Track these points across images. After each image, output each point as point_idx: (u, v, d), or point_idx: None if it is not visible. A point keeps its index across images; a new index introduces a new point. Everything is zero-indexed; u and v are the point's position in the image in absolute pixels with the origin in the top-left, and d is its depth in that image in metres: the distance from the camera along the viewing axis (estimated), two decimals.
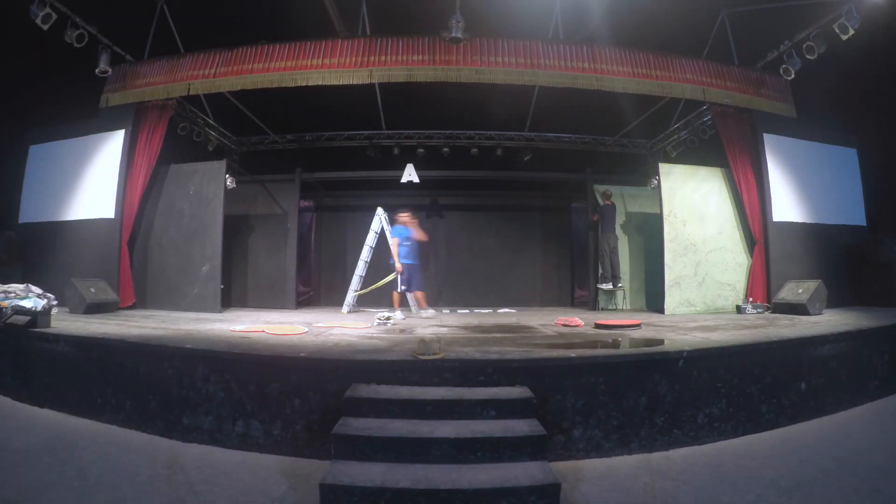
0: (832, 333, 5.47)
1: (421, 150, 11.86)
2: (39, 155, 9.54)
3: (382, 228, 10.23)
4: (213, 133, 10.78)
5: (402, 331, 6.59)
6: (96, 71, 8.47)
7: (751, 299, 8.72)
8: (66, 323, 6.12)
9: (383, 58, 8.23)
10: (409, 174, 11.44)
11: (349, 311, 9.78)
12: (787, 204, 9.15)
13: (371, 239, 10.15)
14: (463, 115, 11.20)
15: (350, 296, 9.97)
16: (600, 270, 10.60)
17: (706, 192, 9.55)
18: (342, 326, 6.99)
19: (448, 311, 10.61)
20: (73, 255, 8.69)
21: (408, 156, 11.76)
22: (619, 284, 10.47)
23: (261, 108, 10.62)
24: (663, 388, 4.35)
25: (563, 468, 3.75)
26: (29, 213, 9.36)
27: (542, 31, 8.54)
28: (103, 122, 9.08)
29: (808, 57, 8.21)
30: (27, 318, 5.49)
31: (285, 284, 10.97)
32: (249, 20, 8.82)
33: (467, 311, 10.88)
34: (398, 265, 8.95)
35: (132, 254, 8.90)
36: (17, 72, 9.33)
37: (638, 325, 6.71)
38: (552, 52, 8.35)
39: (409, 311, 9.64)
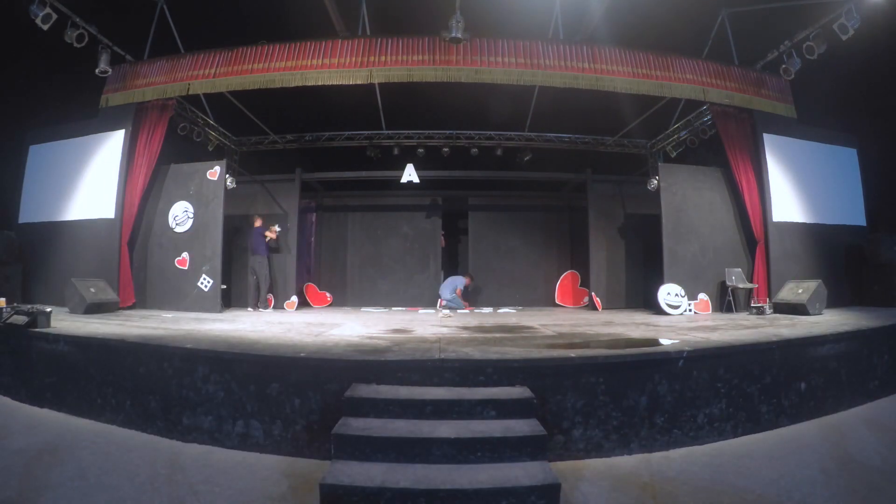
0: (832, 333, 5.47)
1: (421, 151, 11.87)
2: (39, 155, 9.55)
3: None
4: (213, 133, 10.78)
5: (401, 331, 6.59)
6: (96, 71, 8.48)
7: (756, 298, 8.74)
8: (66, 323, 6.12)
9: (383, 58, 8.23)
10: (409, 174, 11.45)
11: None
12: (787, 204, 9.16)
13: None
14: (463, 115, 11.21)
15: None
16: None
17: (706, 193, 9.56)
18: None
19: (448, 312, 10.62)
20: (73, 255, 8.70)
21: (408, 156, 11.78)
22: None
23: (261, 109, 10.62)
24: (663, 389, 4.35)
25: (563, 468, 3.75)
26: (29, 213, 9.37)
27: (542, 31, 8.54)
28: (103, 122, 9.09)
29: (808, 57, 8.22)
30: (27, 318, 5.49)
31: (285, 284, 10.97)
32: (249, 20, 8.82)
33: (467, 311, 10.90)
34: None
35: (132, 254, 8.90)
36: (17, 72, 9.34)
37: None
38: (552, 52, 8.35)
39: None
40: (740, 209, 9.37)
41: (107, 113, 9.08)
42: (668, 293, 8.88)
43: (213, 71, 8.55)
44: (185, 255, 9.07)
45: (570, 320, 8.20)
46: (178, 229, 9.17)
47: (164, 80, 8.79)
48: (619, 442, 4.19)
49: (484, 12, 8.15)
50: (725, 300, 9.04)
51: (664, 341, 5.28)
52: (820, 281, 8.00)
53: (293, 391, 4.19)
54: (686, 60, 8.79)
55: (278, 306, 10.61)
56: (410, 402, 3.84)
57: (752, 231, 9.14)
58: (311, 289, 12.25)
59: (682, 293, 8.88)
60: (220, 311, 8.88)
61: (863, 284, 9.51)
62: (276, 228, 10.39)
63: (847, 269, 9.50)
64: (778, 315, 8.00)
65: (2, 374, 5.63)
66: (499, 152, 12.04)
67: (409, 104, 10.69)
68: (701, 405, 4.47)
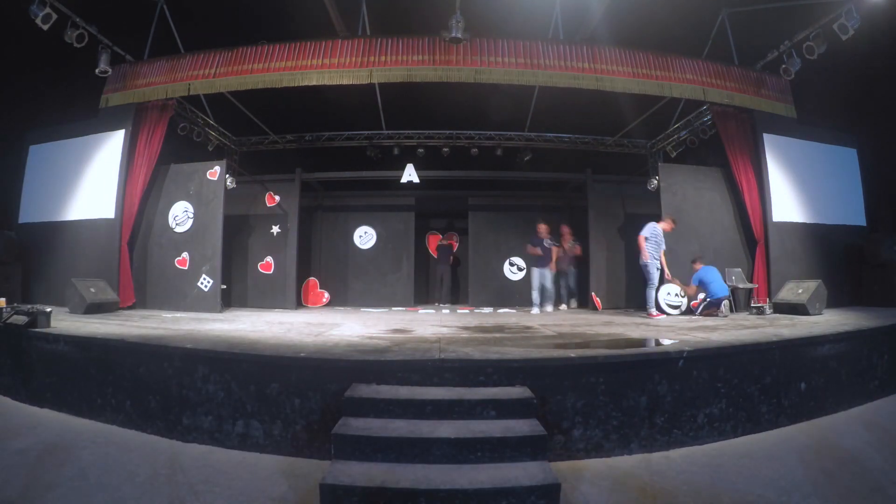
0: (832, 333, 5.47)
1: (421, 151, 11.88)
2: (39, 155, 9.55)
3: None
4: (213, 133, 10.78)
5: (400, 331, 6.59)
6: (96, 71, 8.47)
7: (756, 298, 8.74)
8: (66, 323, 6.12)
9: (383, 58, 8.23)
10: (409, 174, 11.45)
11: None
12: (787, 204, 9.16)
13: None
14: (463, 116, 11.21)
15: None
16: None
17: (706, 193, 9.57)
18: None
19: (448, 311, 10.62)
20: (73, 256, 8.70)
21: (408, 156, 11.79)
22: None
23: (261, 109, 10.62)
24: (663, 389, 4.35)
25: (563, 468, 3.75)
26: (29, 213, 9.37)
27: (542, 31, 8.54)
28: (103, 123, 9.09)
29: (808, 57, 8.22)
30: (27, 318, 5.49)
31: (285, 284, 10.97)
32: (249, 20, 8.82)
33: (467, 311, 10.90)
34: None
35: (132, 254, 8.91)
36: (17, 72, 9.34)
37: None
38: (552, 52, 8.35)
39: None
40: (740, 209, 9.38)
41: (107, 113, 9.08)
42: (669, 293, 8.89)
43: (213, 71, 8.55)
44: (185, 255, 9.08)
45: (570, 320, 8.20)
46: (178, 229, 9.18)
47: (164, 81, 8.79)
48: (618, 442, 4.19)
49: (484, 12, 8.15)
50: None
51: (664, 341, 5.28)
52: (820, 281, 8.00)
53: (293, 391, 4.19)
54: (686, 60, 8.79)
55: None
56: (410, 402, 3.84)
57: (752, 231, 9.15)
58: (308, 288, 12.26)
59: (683, 293, 8.88)
60: (220, 311, 8.88)
61: (863, 284, 9.50)
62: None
63: (847, 269, 9.50)
64: (778, 315, 8.00)
65: (2, 374, 5.64)
66: (499, 152, 12.04)
67: (409, 104, 10.69)
68: (701, 405, 4.47)
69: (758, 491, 3.43)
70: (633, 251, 11.21)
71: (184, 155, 9.86)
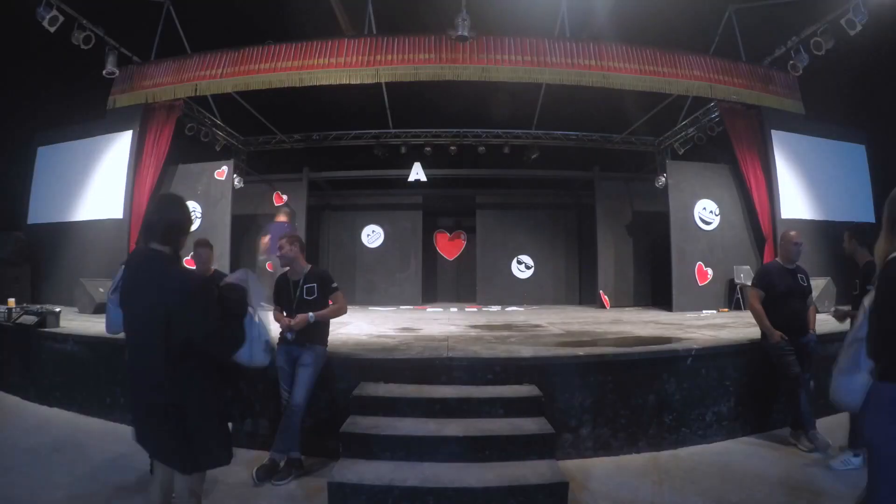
0: (841, 331, 5.41)
1: (428, 149, 11.86)
2: (48, 156, 9.62)
3: None
4: (220, 133, 10.82)
5: (409, 329, 6.58)
6: (104, 72, 8.52)
7: None
8: (75, 323, 6.16)
9: (389, 57, 8.22)
10: (417, 173, 11.45)
11: None
12: (795, 201, 9.08)
13: None
14: (470, 114, 11.19)
15: None
16: None
17: (714, 190, 9.50)
18: None
19: (456, 310, 10.61)
20: (81, 256, 8.75)
21: (415, 154, 11.79)
22: None
23: (268, 108, 10.65)
24: (672, 387, 4.33)
25: (571, 466, 3.74)
26: (38, 214, 9.44)
27: (549, 28, 8.52)
28: (111, 124, 9.13)
29: (815, 53, 8.15)
30: (36, 318, 5.52)
31: None
32: (256, 20, 8.84)
33: (475, 309, 10.88)
34: None
35: None
36: (25, 74, 9.40)
37: None
38: (558, 49, 8.32)
39: None
40: (748, 206, 9.30)
41: (114, 114, 9.12)
42: None
43: (219, 71, 8.57)
44: (192, 255, 9.08)
45: (579, 318, 8.18)
46: None
47: (172, 81, 8.82)
48: (627, 440, 4.17)
49: (490, 10, 8.14)
50: (734, 298, 8.98)
51: (672, 339, 5.25)
52: (829, 278, 7.94)
53: None
54: (693, 57, 8.73)
55: None
56: (418, 401, 3.84)
57: (760, 228, 9.07)
58: None
59: None
60: None
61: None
62: None
63: (856, 266, 9.40)
64: None
65: (12, 374, 5.68)
66: (506, 150, 12.02)
67: (415, 103, 10.69)
68: (709, 403, 4.45)
69: (766, 490, 3.41)
70: (641, 248, 11.28)
71: (191, 155, 9.91)
